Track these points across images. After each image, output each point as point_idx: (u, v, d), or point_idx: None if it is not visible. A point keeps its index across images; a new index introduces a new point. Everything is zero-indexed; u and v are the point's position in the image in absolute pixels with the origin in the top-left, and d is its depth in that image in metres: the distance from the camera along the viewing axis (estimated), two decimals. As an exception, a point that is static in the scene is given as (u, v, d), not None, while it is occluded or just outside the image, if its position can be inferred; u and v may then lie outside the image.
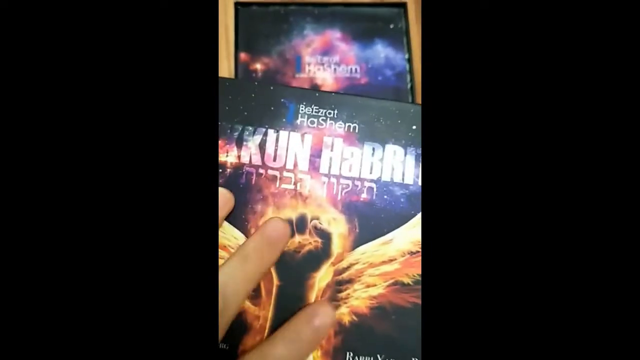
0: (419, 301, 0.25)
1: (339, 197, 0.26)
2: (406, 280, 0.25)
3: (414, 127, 0.27)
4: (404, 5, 0.52)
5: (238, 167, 0.26)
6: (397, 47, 0.51)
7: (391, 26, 0.51)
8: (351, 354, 0.24)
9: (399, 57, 0.50)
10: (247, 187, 0.26)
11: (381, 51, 0.50)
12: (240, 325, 0.24)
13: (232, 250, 0.24)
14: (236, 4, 0.50)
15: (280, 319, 0.24)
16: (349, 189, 0.26)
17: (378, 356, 0.24)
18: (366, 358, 0.24)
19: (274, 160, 0.26)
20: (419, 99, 0.49)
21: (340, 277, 0.25)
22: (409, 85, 0.49)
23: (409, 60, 0.50)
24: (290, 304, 0.24)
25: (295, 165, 0.26)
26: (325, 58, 0.50)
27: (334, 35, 0.50)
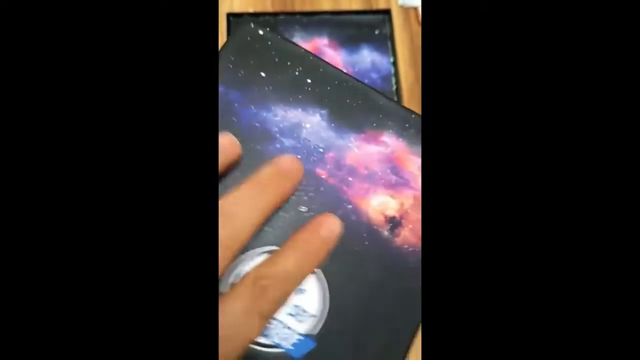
0: None
1: None
2: None
3: None
4: (388, 12, 0.55)
5: None
6: (382, 51, 0.53)
7: (376, 32, 0.54)
8: None
9: (384, 61, 0.53)
10: None
11: (367, 56, 0.53)
12: None
13: None
14: (228, 14, 0.53)
15: None
16: None
17: None
18: None
19: None
20: (404, 101, 0.51)
21: None
22: (394, 88, 0.52)
23: (394, 64, 0.52)
24: None
25: None
26: (314, 64, 0.52)
27: (322, 42, 0.53)
